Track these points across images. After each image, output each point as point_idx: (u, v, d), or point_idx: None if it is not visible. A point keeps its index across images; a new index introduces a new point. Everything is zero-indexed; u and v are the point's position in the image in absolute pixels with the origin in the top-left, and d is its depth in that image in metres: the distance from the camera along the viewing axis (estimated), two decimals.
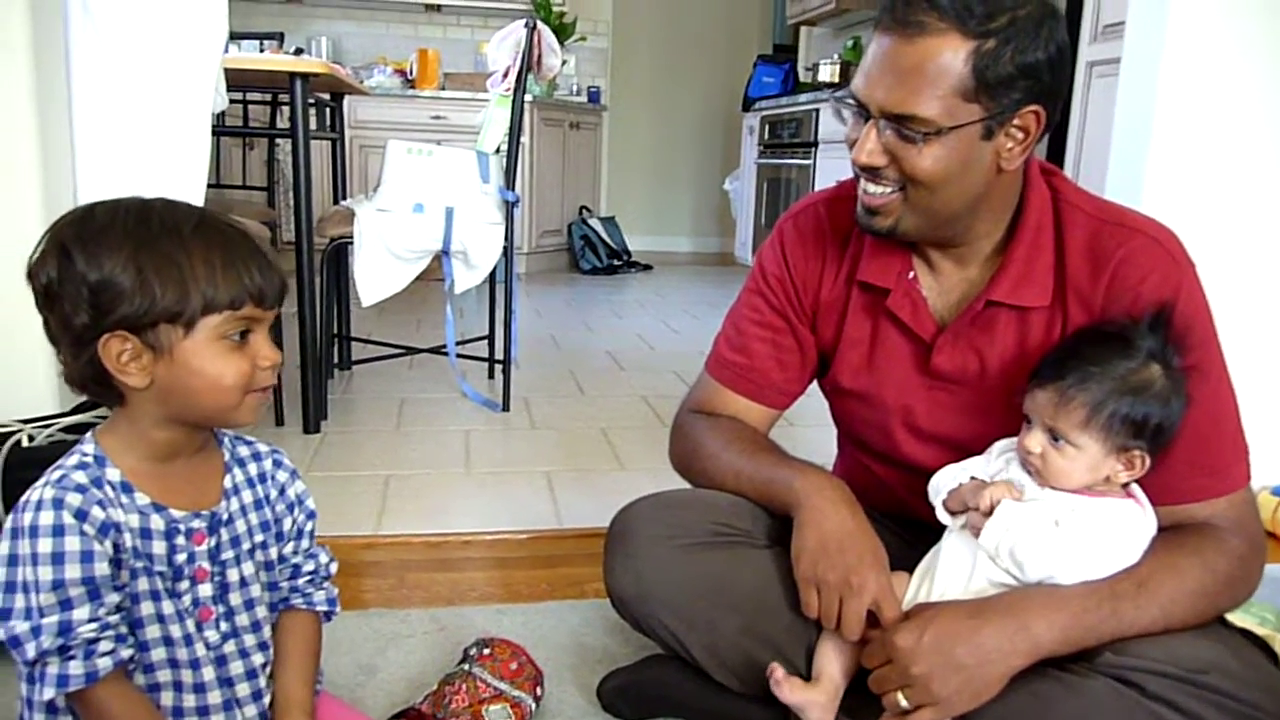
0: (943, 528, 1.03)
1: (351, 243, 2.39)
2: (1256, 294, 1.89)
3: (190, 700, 0.85)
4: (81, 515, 0.77)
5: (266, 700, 0.91)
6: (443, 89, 5.16)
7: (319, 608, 0.97)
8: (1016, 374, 1.02)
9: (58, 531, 0.76)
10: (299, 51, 4.66)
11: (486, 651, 1.16)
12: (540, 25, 2.54)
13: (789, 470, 1.09)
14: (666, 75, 6.72)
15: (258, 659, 0.90)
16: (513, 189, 2.54)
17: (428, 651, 1.33)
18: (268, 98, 3.13)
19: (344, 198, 2.88)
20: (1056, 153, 2.95)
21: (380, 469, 2.07)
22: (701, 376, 1.27)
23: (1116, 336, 0.93)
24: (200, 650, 0.85)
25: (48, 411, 1.50)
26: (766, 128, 5.36)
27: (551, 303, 4.54)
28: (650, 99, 6.69)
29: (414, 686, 1.23)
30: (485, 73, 2.85)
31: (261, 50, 3.79)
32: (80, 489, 0.78)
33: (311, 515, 0.97)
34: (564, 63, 3.49)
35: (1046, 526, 0.92)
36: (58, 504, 0.76)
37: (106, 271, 0.76)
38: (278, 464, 0.95)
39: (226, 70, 1.88)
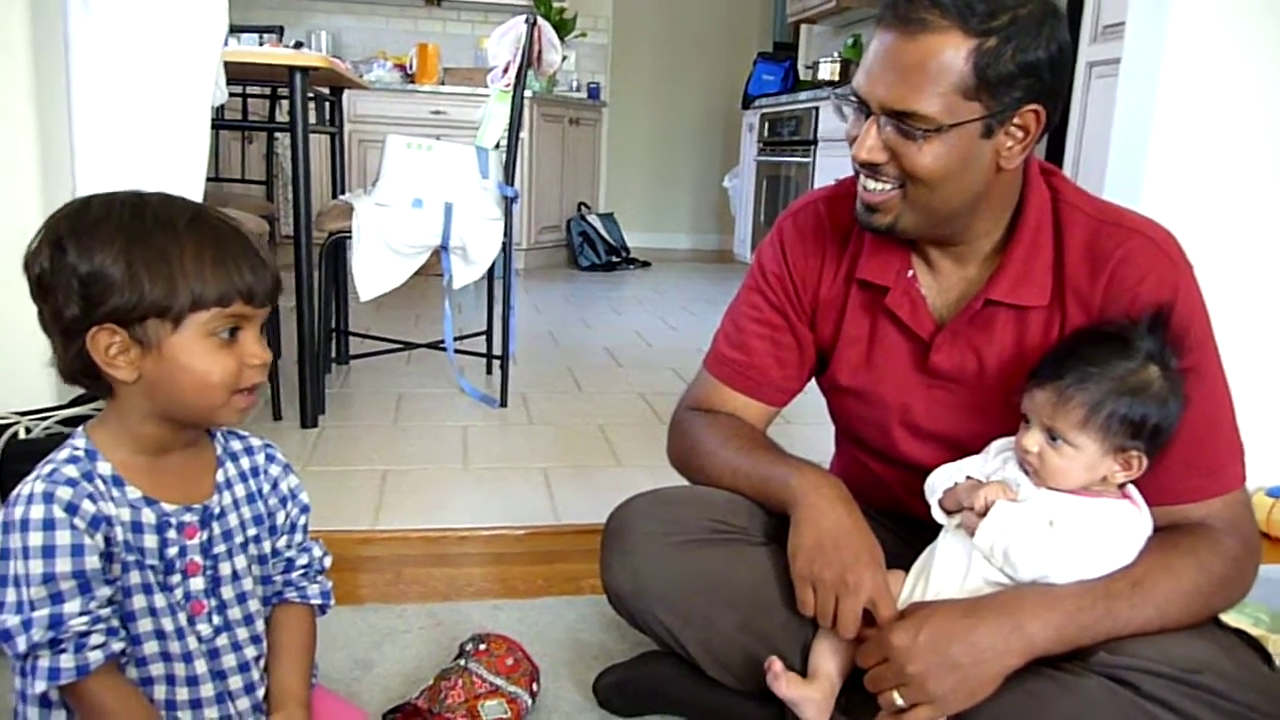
0: (939, 526, 1.03)
1: (350, 237, 2.39)
2: (1254, 295, 1.89)
3: (183, 693, 0.85)
4: (72, 509, 0.77)
5: (260, 693, 0.91)
6: (442, 84, 5.16)
7: (313, 601, 0.97)
8: (1014, 373, 1.02)
9: (48, 525, 0.76)
10: (298, 45, 4.66)
11: (483, 647, 1.16)
12: (540, 21, 2.54)
13: (786, 468, 1.09)
14: (666, 72, 6.71)
15: (250, 652, 0.90)
16: (512, 185, 2.54)
17: (424, 647, 1.34)
18: (267, 91, 3.13)
19: (343, 192, 2.88)
20: (1056, 153, 2.95)
21: (377, 464, 2.07)
22: (700, 374, 1.27)
23: (1115, 337, 0.93)
24: (193, 644, 0.85)
25: (45, 404, 1.50)
26: (766, 125, 5.35)
27: (550, 299, 4.54)
28: (650, 96, 6.68)
29: (410, 682, 1.23)
30: (485, 68, 2.84)
31: (261, 44, 3.79)
32: (71, 483, 0.78)
33: (305, 509, 0.97)
34: (564, 59, 3.48)
35: (1041, 527, 0.93)
36: (48, 498, 0.76)
37: (97, 264, 0.76)
38: (270, 458, 0.95)
39: (226, 64, 1.88)
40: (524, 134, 3.97)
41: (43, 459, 0.82)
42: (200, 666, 0.86)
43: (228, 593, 0.88)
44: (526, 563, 1.65)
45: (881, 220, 1.02)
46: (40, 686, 0.76)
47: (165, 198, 0.81)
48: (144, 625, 0.82)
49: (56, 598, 0.76)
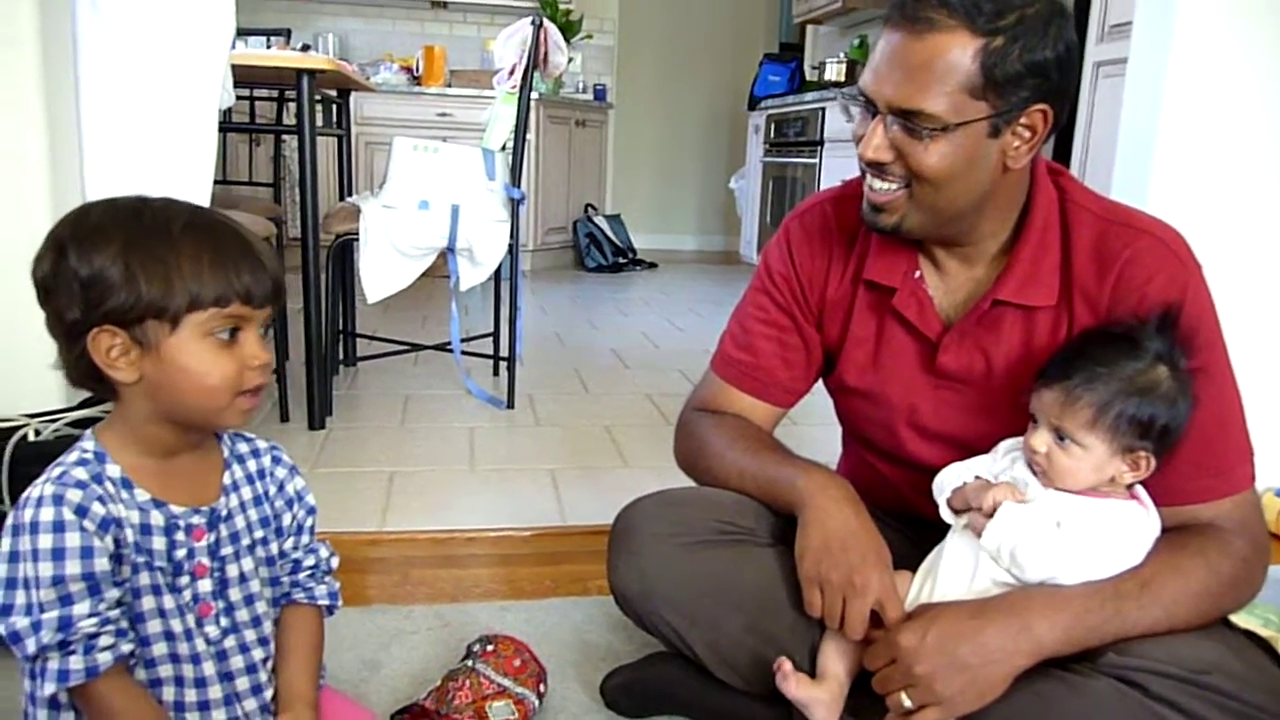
0: (947, 526, 1.02)
1: (357, 239, 2.39)
2: (1263, 295, 1.88)
3: (191, 695, 0.85)
4: (82, 511, 0.77)
5: (268, 695, 0.91)
6: (449, 86, 5.17)
7: (320, 602, 0.97)
8: (1022, 373, 1.02)
9: (58, 527, 0.76)
10: (305, 48, 4.68)
11: (490, 648, 1.16)
12: (546, 23, 2.54)
13: (793, 469, 1.09)
14: (672, 73, 6.71)
15: (258, 654, 0.90)
16: (518, 186, 2.54)
17: (431, 648, 1.34)
18: (274, 94, 3.13)
19: (350, 194, 2.88)
20: (1063, 152, 2.94)
21: (385, 465, 2.08)
22: (707, 375, 1.27)
23: (1124, 337, 0.93)
24: (200, 645, 0.85)
25: (54, 406, 1.50)
26: (772, 126, 5.35)
27: (556, 300, 4.54)
28: (656, 97, 6.68)
29: (418, 682, 1.24)
30: (491, 70, 2.85)
31: (268, 46, 3.80)
32: (80, 485, 0.78)
33: (311, 510, 0.97)
34: (570, 60, 3.49)
35: (1048, 528, 0.92)
36: (58, 500, 0.77)
37: (96, 266, 0.77)
38: (276, 460, 0.95)
39: (233, 66, 1.89)
40: (530, 136, 3.98)
41: (52, 461, 0.82)
42: (208, 668, 0.86)
43: (235, 594, 0.89)
44: (533, 564, 1.65)
45: (887, 220, 1.02)
46: (49, 689, 0.76)
47: (166, 201, 0.82)
48: (153, 627, 0.83)
49: (66, 600, 0.76)
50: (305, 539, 0.97)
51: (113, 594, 0.79)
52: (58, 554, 0.76)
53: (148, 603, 0.82)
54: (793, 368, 1.20)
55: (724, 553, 1.09)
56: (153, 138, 1.76)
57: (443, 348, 2.87)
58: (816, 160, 4.68)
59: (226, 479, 0.90)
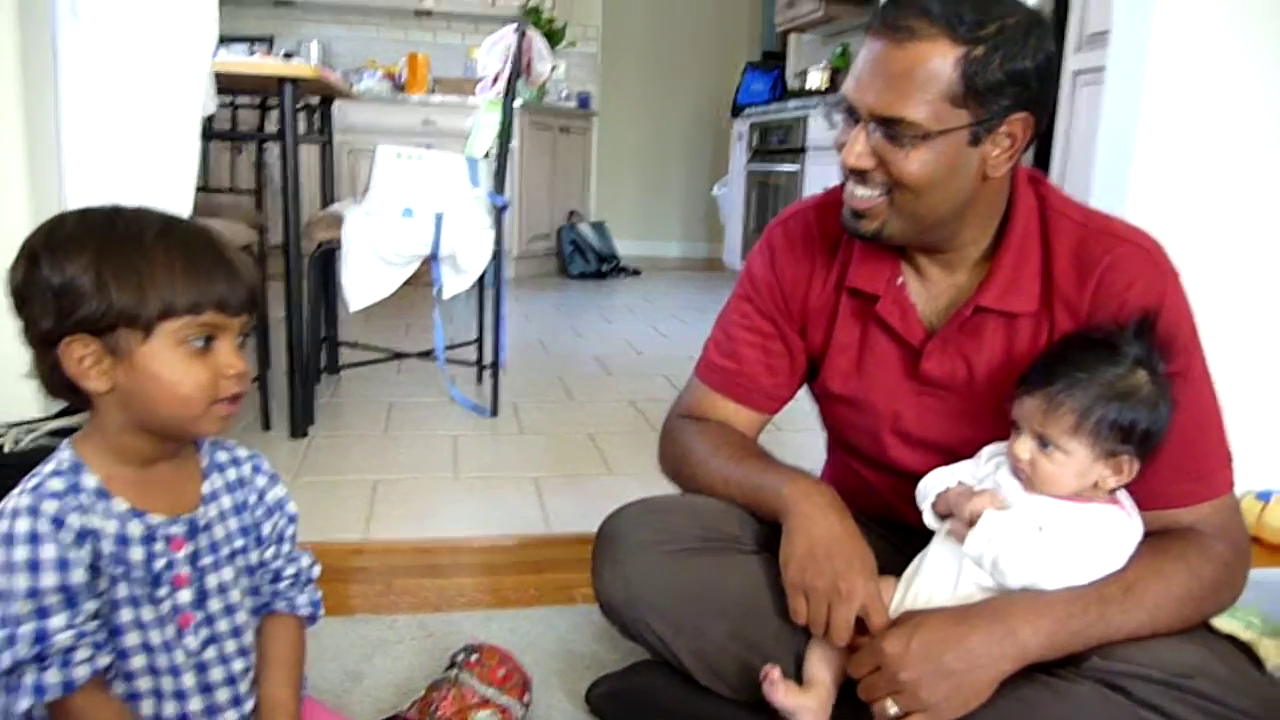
0: (931, 532, 1.03)
1: (340, 247, 2.38)
2: (1240, 300, 1.90)
3: (170, 708, 0.84)
4: (58, 522, 0.76)
5: (248, 707, 0.90)
6: (432, 93, 5.16)
7: (302, 611, 0.96)
8: (1005, 380, 1.03)
9: (33, 539, 0.75)
10: (288, 55, 4.66)
11: (474, 658, 1.15)
12: (530, 31, 2.54)
13: (777, 476, 1.09)
14: (656, 81, 6.73)
15: (238, 665, 0.89)
16: (502, 193, 2.54)
17: (415, 658, 1.33)
18: (257, 101, 3.12)
19: (333, 202, 2.87)
20: (1042, 160, 2.96)
21: (368, 474, 2.06)
22: (691, 381, 1.27)
23: (1103, 343, 0.94)
24: (180, 657, 0.84)
25: (33, 415, 1.49)
26: (756, 134, 5.37)
27: (540, 307, 4.54)
28: (640, 104, 6.70)
29: (401, 693, 1.23)
30: (475, 78, 2.85)
31: (251, 54, 3.78)
32: (56, 495, 0.78)
33: (292, 519, 0.97)
34: (554, 68, 3.49)
35: (1029, 534, 0.93)
36: (33, 511, 0.76)
37: (68, 275, 0.76)
38: (257, 468, 0.95)
39: (216, 74, 1.88)
40: (514, 143, 3.96)
41: (30, 470, 0.81)
42: (188, 680, 0.85)
43: (215, 605, 0.88)
44: (518, 572, 1.65)
45: (868, 226, 1.02)
46: (25, 703, 0.75)
47: (140, 210, 0.82)
48: (131, 638, 0.82)
49: (42, 612, 0.75)
50: (286, 548, 0.96)
51: (90, 606, 0.78)
52: (33, 566, 0.75)
53: (126, 614, 0.81)
54: (776, 374, 1.20)
55: (709, 560, 1.08)
56: (134, 145, 1.75)
57: (426, 356, 2.86)
58: (799, 167, 4.71)
59: (206, 488, 0.89)
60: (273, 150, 3.57)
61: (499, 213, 2.51)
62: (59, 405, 1.47)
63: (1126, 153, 1.86)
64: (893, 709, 0.92)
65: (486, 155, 2.53)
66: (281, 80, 2.16)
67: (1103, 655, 0.91)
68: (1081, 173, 2.58)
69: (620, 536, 1.11)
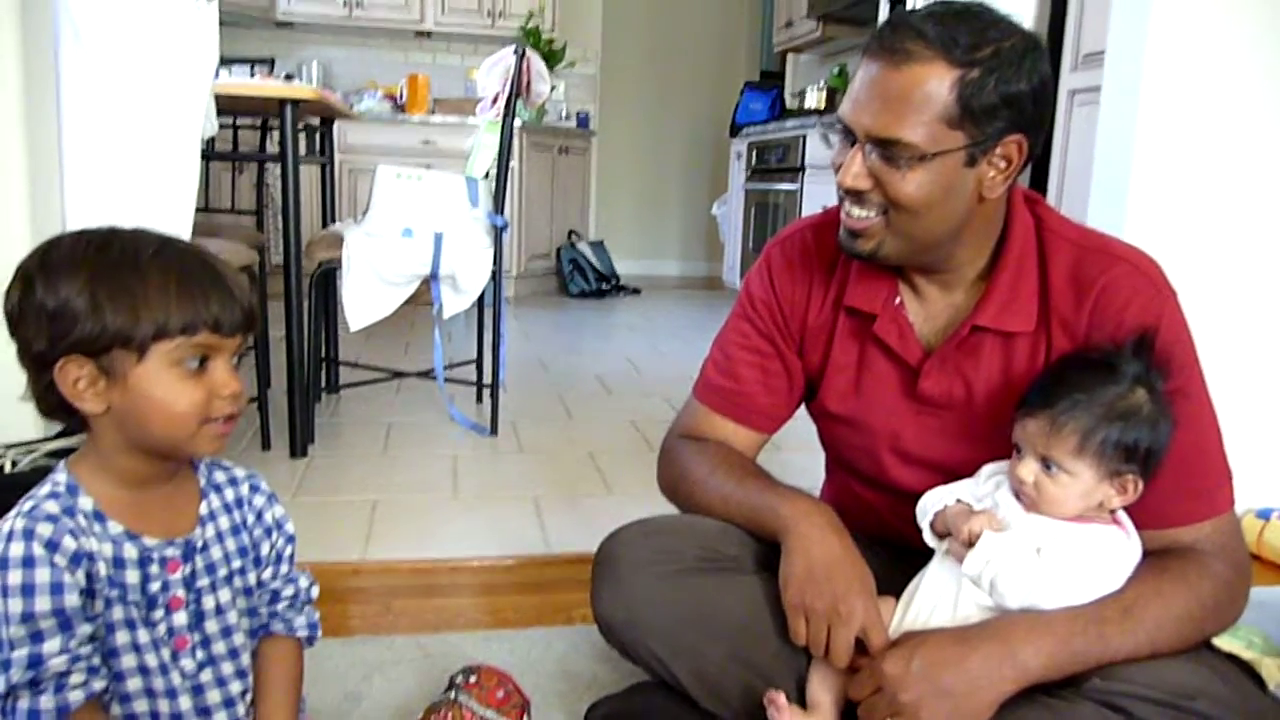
0: (930, 552, 1.03)
1: (340, 267, 2.39)
2: (1239, 318, 1.91)
3: None
4: (52, 546, 0.76)
5: None
6: (432, 114, 5.19)
7: (299, 633, 0.96)
8: (1003, 399, 1.03)
9: (28, 563, 0.75)
10: (289, 77, 4.69)
11: (473, 679, 1.15)
12: (530, 52, 2.56)
13: (776, 496, 1.09)
14: (655, 101, 6.77)
15: (235, 687, 0.89)
16: (501, 213, 2.55)
17: (414, 679, 1.32)
18: (258, 122, 3.14)
19: (333, 222, 2.88)
20: (1039, 180, 2.98)
21: (367, 493, 2.06)
22: (689, 401, 1.27)
23: (1101, 363, 0.94)
24: (176, 679, 0.84)
25: (31, 436, 1.49)
26: (754, 153, 5.40)
27: (540, 327, 4.54)
28: (639, 124, 6.73)
29: (400, 715, 1.22)
30: (475, 98, 2.87)
31: (252, 75, 3.81)
32: (51, 519, 0.77)
33: (290, 539, 0.96)
34: (553, 89, 3.52)
35: (1028, 555, 0.93)
36: (28, 535, 0.76)
37: (62, 297, 0.76)
38: (255, 488, 0.94)
39: (217, 95, 1.89)
40: (514, 163, 3.99)
41: (28, 491, 0.81)
42: (184, 703, 0.84)
43: (212, 627, 0.87)
44: (517, 593, 1.64)
45: (864, 246, 1.03)
46: None
47: (136, 231, 0.82)
48: (127, 661, 0.81)
49: (36, 637, 0.75)
50: (284, 568, 0.96)
51: (84, 630, 0.77)
52: (28, 590, 0.74)
53: (121, 637, 0.81)
54: (774, 394, 1.20)
55: (708, 581, 1.08)
56: (135, 166, 1.76)
57: (426, 375, 2.86)
58: (798, 186, 4.72)
59: (203, 509, 0.89)
60: (273, 171, 3.59)
61: (498, 232, 2.52)
62: (57, 426, 1.47)
63: (1123, 172, 1.87)
64: None
65: (486, 175, 2.54)
66: (282, 101, 2.17)
67: (1103, 676, 0.90)
68: (1079, 192, 2.59)
69: (619, 557, 1.11)
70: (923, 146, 0.94)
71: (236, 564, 0.90)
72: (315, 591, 0.99)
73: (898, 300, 1.10)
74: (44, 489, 0.81)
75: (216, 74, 1.85)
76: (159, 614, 0.83)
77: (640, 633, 1.08)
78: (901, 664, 0.91)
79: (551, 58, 5.28)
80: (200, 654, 0.86)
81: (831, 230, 1.13)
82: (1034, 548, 0.93)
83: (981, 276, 1.07)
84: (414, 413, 2.76)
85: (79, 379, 0.78)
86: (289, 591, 0.96)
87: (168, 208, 1.77)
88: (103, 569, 0.79)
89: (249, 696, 0.91)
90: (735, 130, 5.80)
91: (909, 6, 3.29)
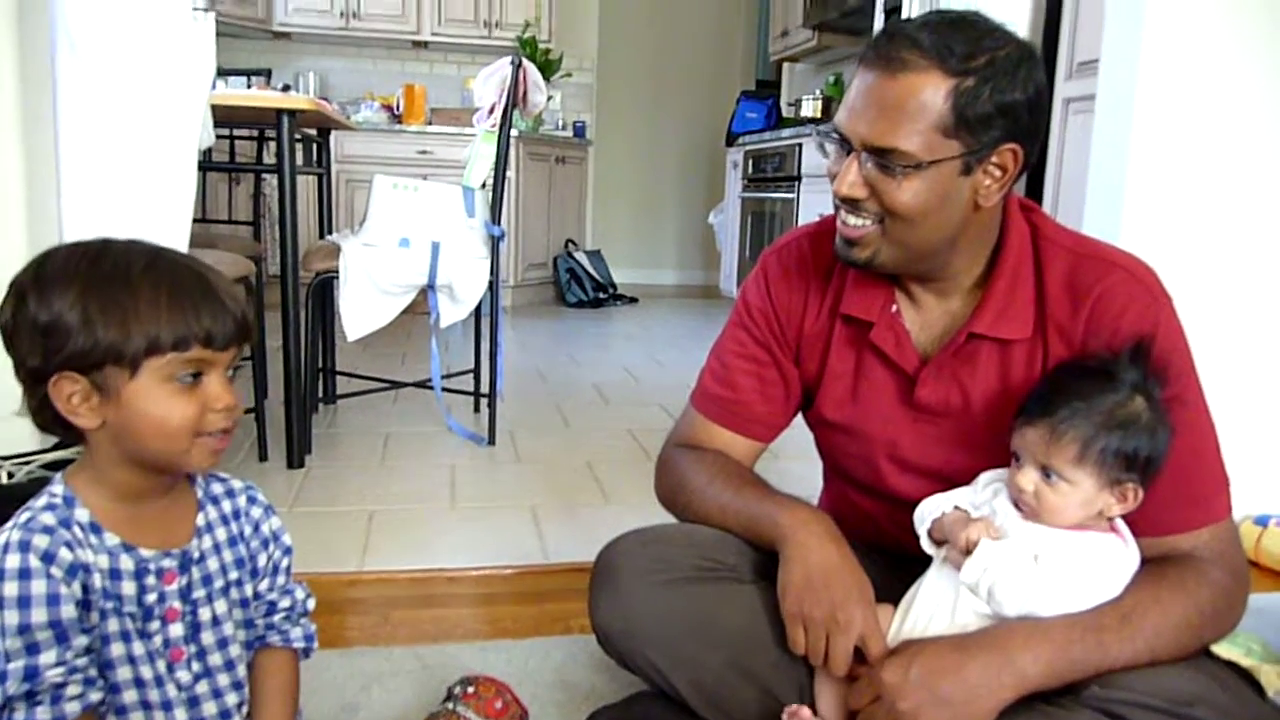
0: (928, 560, 1.02)
1: (337, 277, 2.39)
2: (1236, 325, 1.91)
3: None
4: (48, 558, 0.76)
5: None
6: (429, 124, 5.20)
7: (296, 644, 0.96)
8: (1000, 406, 1.03)
9: (24, 575, 0.75)
10: (286, 88, 4.70)
11: (471, 690, 1.14)
12: (526, 63, 2.57)
13: (774, 505, 1.09)
14: (651, 110, 6.79)
15: (232, 699, 0.89)
16: (498, 223, 2.55)
17: (412, 690, 1.32)
18: (254, 133, 3.14)
19: (330, 232, 2.88)
20: (1034, 188, 2.98)
21: (364, 504, 2.06)
22: (686, 410, 1.27)
23: (1100, 371, 0.94)
24: (172, 691, 0.84)
25: (28, 448, 1.48)
26: (750, 162, 5.41)
27: (537, 336, 4.54)
28: (635, 134, 6.75)
29: None
30: (471, 108, 2.87)
31: (249, 86, 3.82)
32: (47, 530, 0.77)
33: (288, 551, 0.96)
34: (549, 99, 3.53)
35: (1025, 563, 0.92)
36: (24, 546, 0.75)
37: (55, 312, 0.76)
38: (252, 500, 0.94)
39: (214, 106, 1.89)
40: (510, 173, 3.99)
41: (25, 503, 0.81)
42: (180, 715, 0.84)
43: (208, 638, 0.87)
44: (515, 603, 1.64)
45: (860, 254, 1.03)
46: None
47: (130, 244, 0.81)
48: (123, 673, 0.81)
49: (32, 649, 0.74)
50: (281, 580, 0.96)
51: (80, 641, 0.77)
52: (24, 602, 0.74)
53: (117, 649, 0.81)
54: (771, 402, 1.20)
55: (706, 590, 1.08)
56: (132, 177, 1.76)
57: (423, 385, 2.86)
58: (794, 195, 4.74)
59: (200, 520, 0.89)
60: (270, 181, 3.59)
61: (495, 242, 2.52)
62: (54, 439, 1.47)
63: (1118, 179, 1.88)
64: None
65: (483, 185, 2.54)
66: (279, 112, 2.18)
67: (1102, 684, 0.90)
68: (1074, 200, 2.59)
69: (617, 567, 1.10)
70: (918, 155, 0.94)
71: (233, 575, 0.90)
72: (312, 603, 0.98)
73: (894, 308, 1.10)
74: (41, 501, 0.81)
75: (213, 85, 1.85)
76: (155, 625, 0.83)
77: (638, 642, 1.07)
78: (900, 672, 0.91)
79: (548, 68, 5.30)
80: (196, 666, 0.86)
81: (828, 239, 1.13)
82: (1032, 555, 0.93)
83: (978, 284, 1.07)
84: (411, 423, 2.76)
85: (73, 395, 0.78)
86: (285, 603, 0.95)
87: (165, 218, 1.77)
88: (98, 580, 0.79)
89: (245, 709, 0.90)
90: (731, 139, 5.82)
91: (904, 16, 3.30)
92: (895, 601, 1.04)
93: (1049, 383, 0.97)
